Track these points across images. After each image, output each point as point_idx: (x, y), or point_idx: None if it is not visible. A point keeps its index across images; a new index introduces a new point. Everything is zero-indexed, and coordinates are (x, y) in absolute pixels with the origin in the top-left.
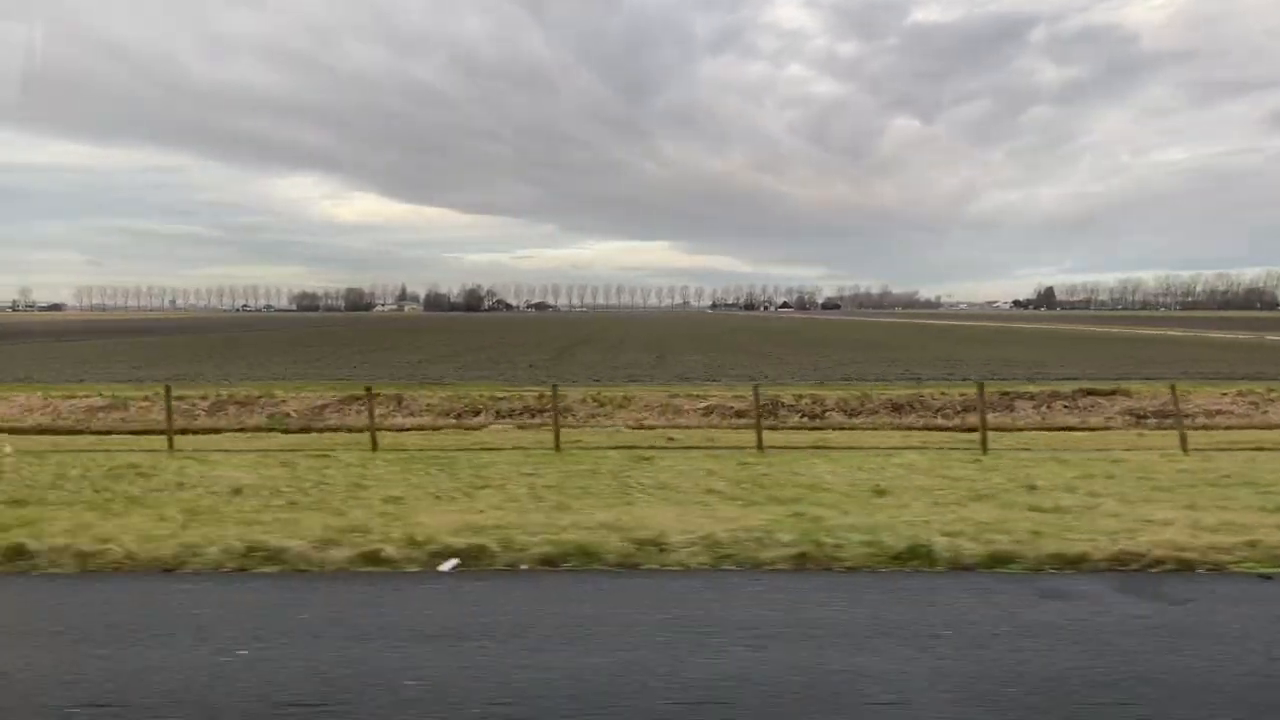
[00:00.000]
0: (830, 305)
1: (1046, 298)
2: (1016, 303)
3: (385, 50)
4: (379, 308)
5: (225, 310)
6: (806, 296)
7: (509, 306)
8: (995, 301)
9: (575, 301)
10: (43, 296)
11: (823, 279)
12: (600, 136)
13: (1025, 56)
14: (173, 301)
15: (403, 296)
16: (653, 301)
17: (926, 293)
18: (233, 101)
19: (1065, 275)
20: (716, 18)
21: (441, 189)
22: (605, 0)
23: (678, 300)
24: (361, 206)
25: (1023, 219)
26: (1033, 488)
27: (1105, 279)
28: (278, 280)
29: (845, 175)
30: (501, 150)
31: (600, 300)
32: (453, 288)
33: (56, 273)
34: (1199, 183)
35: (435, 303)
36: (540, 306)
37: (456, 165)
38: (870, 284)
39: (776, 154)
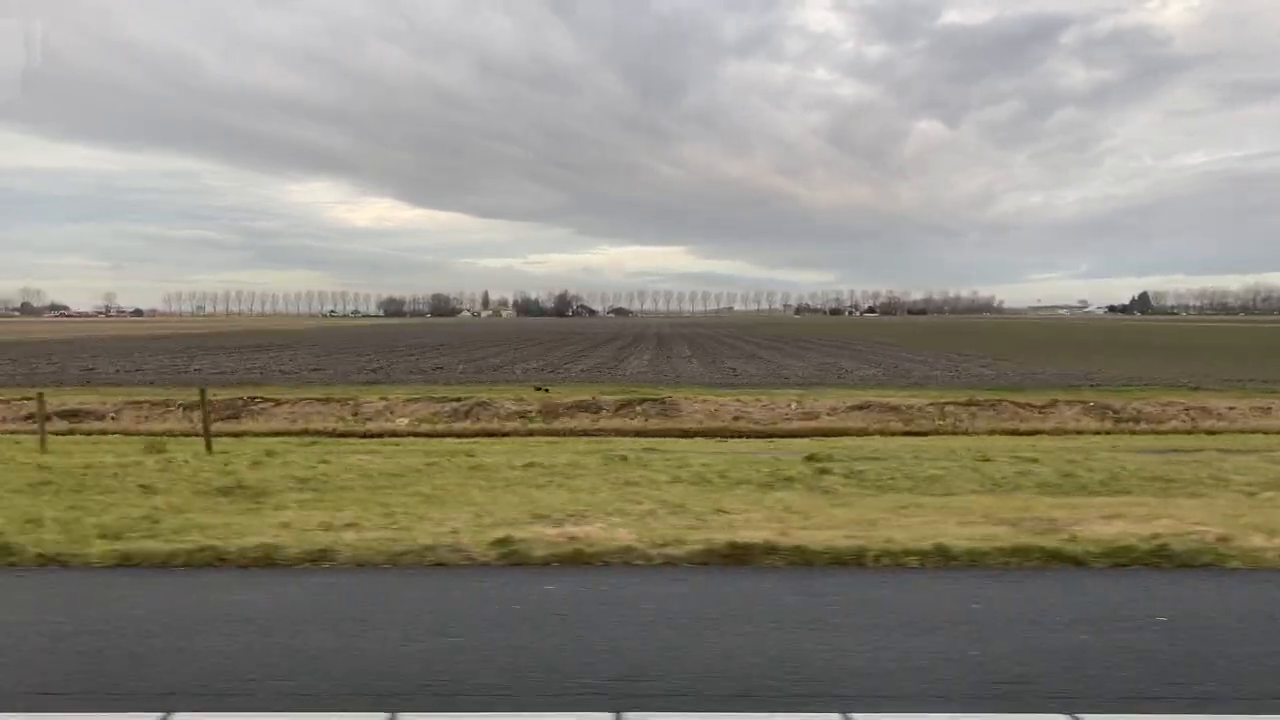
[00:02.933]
0: (916, 310)
1: (1142, 302)
2: (1111, 308)
3: (409, 52)
4: (464, 313)
5: (313, 314)
6: (894, 301)
7: (592, 312)
8: (1087, 306)
9: (648, 307)
10: (57, 300)
11: (834, 283)
12: (620, 139)
13: (1055, 59)
14: (226, 308)
15: (486, 303)
16: (698, 307)
17: (1003, 295)
18: (252, 105)
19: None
20: (746, 19)
21: (458, 193)
22: (634, 1)
23: (723, 305)
24: (375, 212)
25: (1047, 221)
26: None
27: (1229, 282)
28: (287, 285)
29: (865, 179)
30: (519, 153)
31: (652, 307)
32: (539, 294)
33: (68, 277)
34: (1224, 185)
35: (526, 308)
36: (620, 312)
37: (474, 168)
38: (957, 289)
39: (797, 158)
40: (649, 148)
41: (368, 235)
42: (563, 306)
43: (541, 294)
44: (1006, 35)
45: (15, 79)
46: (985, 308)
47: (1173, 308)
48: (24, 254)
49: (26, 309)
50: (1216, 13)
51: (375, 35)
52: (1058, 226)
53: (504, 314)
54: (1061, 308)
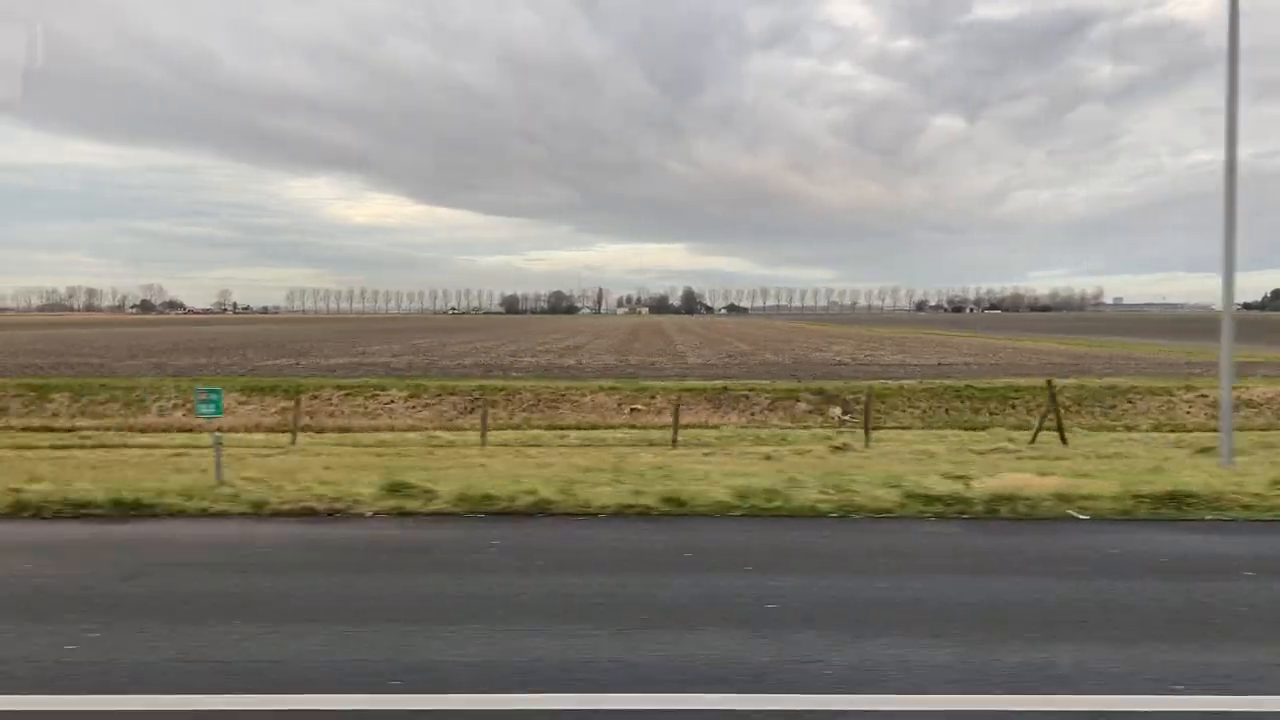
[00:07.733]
0: (1039, 308)
1: (1275, 300)
2: (1245, 305)
3: (430, 47)
4: (583, 310)
5: (441, 313)
6: (1016, 298)
7: (709, 309)
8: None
9: (770, 303)
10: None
11: (836, 280)
12: (636, 136)
13: (1080, 54)
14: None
15: (599, 299)
16: (757, 304)
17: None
18: (265, 100)
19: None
20: (774, 12)
21: (467, 190)
22: None
23: (773, 303)
24: (375, 209)
25: (1063, 219)
26: None
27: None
28: (286, 281)
29: (879, 176)
30: (534, 150)
31: (774, 303)
32: (663, 290)
33: (68, 274)
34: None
35: (657, 306)
36: (733, 309)
37: (487, 165)
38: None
39: (811, 154)
40: (663, 145)
41: (371, 231)
42: (691, 304)
43: (665, 290)
44: (1036, 30)
45: (19, 73)
46: (1086, 305)
47: None
48: (22, 250)
49: (146, 306)
50: (1250, 7)
51: (399, 30)
52: (1075, 223)
53: (641, 312)
54: (1206, 305)
